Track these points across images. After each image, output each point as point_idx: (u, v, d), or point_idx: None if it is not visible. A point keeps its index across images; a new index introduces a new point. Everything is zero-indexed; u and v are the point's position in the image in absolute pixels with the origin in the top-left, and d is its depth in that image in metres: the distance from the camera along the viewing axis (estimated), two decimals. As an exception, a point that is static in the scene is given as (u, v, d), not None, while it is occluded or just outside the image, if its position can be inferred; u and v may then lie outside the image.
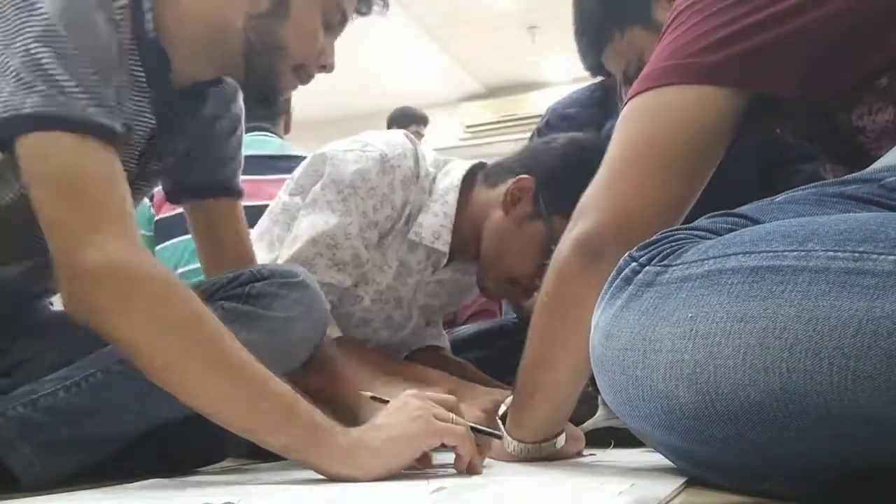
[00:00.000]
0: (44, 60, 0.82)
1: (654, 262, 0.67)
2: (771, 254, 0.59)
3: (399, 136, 1.36)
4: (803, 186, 0.76)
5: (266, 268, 1.05)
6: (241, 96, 1.18)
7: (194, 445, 0.99)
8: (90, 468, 0.91)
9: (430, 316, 1.53)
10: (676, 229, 0.71)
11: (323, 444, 0.83)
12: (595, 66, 1.24)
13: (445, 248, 1.37)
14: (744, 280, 0.59)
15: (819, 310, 0.54)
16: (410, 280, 1.41)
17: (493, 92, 7.13)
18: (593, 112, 1.58)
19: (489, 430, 1.03)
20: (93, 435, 0.89)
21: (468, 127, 7.20)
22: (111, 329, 0.81)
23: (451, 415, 0.88)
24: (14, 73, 0.81)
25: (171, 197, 1.20)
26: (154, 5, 0.96)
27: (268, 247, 1.36)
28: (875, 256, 0.54)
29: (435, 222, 1.36)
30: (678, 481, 0.77)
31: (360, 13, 1.11)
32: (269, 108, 1.16)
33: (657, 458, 0.91)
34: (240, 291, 0.99)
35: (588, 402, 1.53)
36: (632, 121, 0.87)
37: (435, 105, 7.23)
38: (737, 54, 0.80)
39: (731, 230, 0.68)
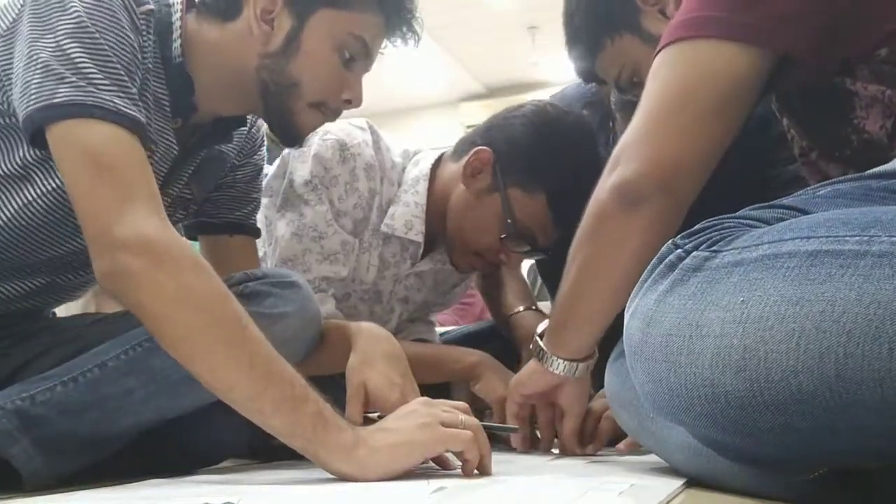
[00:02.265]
0: (74, 54, 0.84)
1: (701, 248, 0.65)
2: (831, 238, 0.57)
3: (359, 124, 1.36)
4: (841, 178, 0.74)
5: (259, 269, 1.05)
6: (264, 146, 1.20)
7: (194, 446, 0.99)
8: (90, 468, 0.91)
9: (414, 312, 1.53)
10: (723, 218, 0.68)
11: (328, 436, 0.83)
12: (588, 74, 1.25)
13: (420, 238, 1.37)
14: (801, 263, 0.57)
15: (882, 293, 0.52)
16: (388, 273, 1.41)
17: (493, 92, 7.13)
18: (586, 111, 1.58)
19: (503, 426, 1.03)
20: (92, 432, 0.89)
21: (468, 127, 7.17)
22: (140, 299, 0.83)
23: (461, 417, 0.88)
24: (43, 66, 0.84)
25: (188, 232, 1.22)
26: (182, 35, 0.99)
27: None
28: None
29: (406, 212, 1.36)
30: (678, 481, 0.78)
31: (392, 44, 1.10)
32: (297, 147, 1.17)
33: (657, 458, 0.92)
34: (234, 291, 0.99)
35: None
36: (667, 70, 0.88)
37: (435, 105, 7.24)
38: (770, 14, 0.82)
39: (780, 220, 0.66)
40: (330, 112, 1.08)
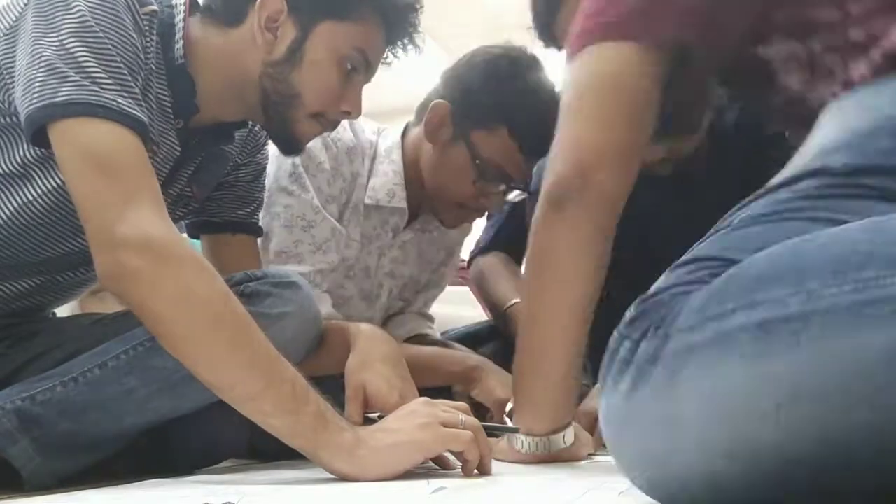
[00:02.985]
0: (77, 53, 0.84)
1: (648, 335, 0.62)
2: (773, 303, 0.55)
3: None
4: (752, 196, 0.72)
5: (260, 269, 1.06)
6: (267, 144, 1.20)
7: (194, 446, 0.99)
8: (90, 468, 0.91)
9: (404, 289, 1.53)
10: (655, 291, 0.66)
11: (329, 437, 0.83)
12: (545, 33, 1.30)
13: (403, 204, 1.40)
14: (755, 337, 0.55)
15: (844, 352, 0.51)
16: (372, 247, 1.42)
17: (491, 92, 7.11)
18: None
19: (503, 426, 1.03)
20: (92, 432, 0.89)
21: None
22: (142, 298, 0.83)
23: (461, 417, 0.88)
24: (46, 64, 0.83)
25: (190, 230, 1.22)
26: (184, 37, 0.99)
27: None
28: (882, 282, 0.51)
29: (386, 182, 1.38)
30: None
31: (395, 56, 1.12)
32: (296, 155, 1.19)
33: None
34: (234, 290, 0.99)
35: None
36: (575, 79, 0.94)
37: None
38: (635, 8, 0.88)
39: (711, 276, 0.63)
40: (328, 123, 1.09)
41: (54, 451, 0.87)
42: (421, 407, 0.90)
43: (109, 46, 0.86)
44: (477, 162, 1.33)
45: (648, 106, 0.91)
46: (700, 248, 0.69)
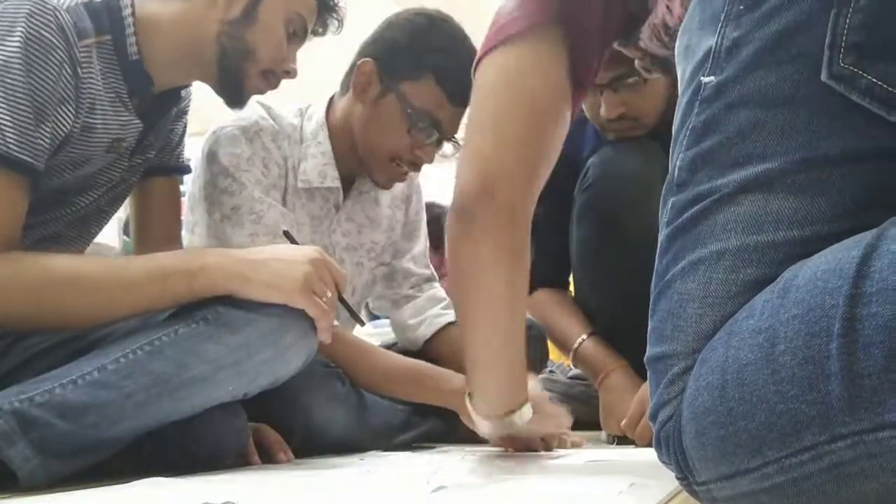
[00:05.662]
0: None
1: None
2: (756, 474, 0.56)
3: (248, 106, 1.40)
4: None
5: None
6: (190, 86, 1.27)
7: (194, 446, 0.99)
8: (90, 468, 0.91)
9: (373, 255, 1.54)
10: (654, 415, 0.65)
11: (200, 261, 0.98)
12: None
13: (337, 183, 1.43)
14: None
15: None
16: (323, 228, 1.46)
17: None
18: (578, 126, 1.58)
19: (353, 310, 1.16)
20: (90, 435, 0.89)
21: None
22: None
23: (331, 285, 1.02)
24: None
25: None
26: (136, 30, 1.09)
27: None
28: (823, 448, 0.51)
29: (316, 164, 1.42)
30: (678, 482, 0.77)
31: (316, 34, 1.22)
32: (239, 108, 1.26)
33: (657, 458, 0.92)
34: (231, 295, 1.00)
35: (590, 402, 1.54)
36: (475, 89, 0.94)
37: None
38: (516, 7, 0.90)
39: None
40: (275, 80, 1.19)
41: (52, 453, 0.86)
42: (314, 254, 1.01)
43: (23, 87, 0.93)
44: (409, 111, 1.37)
45: (553, 106, 0.92)
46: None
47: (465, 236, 0.91)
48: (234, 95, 1.18)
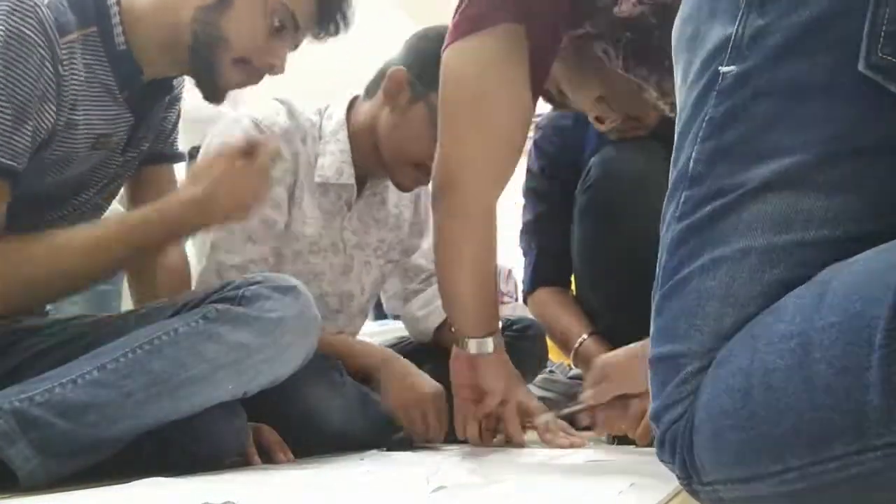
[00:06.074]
0: None
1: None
2: (776, 478, 0.54)
3: (269, 103, 1.44)
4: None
5: (259, 274, 1.08)
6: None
7: (194, 446, 0.99)
8: (90, 468, 0.91)
9: (381, 252, 1.56)
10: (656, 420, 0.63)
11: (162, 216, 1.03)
12: None
13: (352, 181, 1.45)
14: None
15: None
16: (335, 224, 1.47)
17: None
18: (580, 126, 1.58)
19: (574, 409, 1.20)
20: (90, 434, 0.89)
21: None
22: None
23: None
24: None
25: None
26: (121, 20, 1.07)
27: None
28: (851, 458, 0.50)
29: (334, 161, 1.44)
30: (678, 482, 0.77)
31: (317, 37, 1.18)
32: (217, 103, 1.22)
33: (657, 458, 0.92)
34: (233, 294, 1.01)
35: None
36: (442, 77, 1.07)
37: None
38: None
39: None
40: (254, 72, 1.13)
41: (52, 453, 0.86)
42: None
43: (2, 87, 0.93)
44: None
45: (514, 99, 1.01)
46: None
47: (438, 213, 1.16)
48: (210, 87, 1.13)
